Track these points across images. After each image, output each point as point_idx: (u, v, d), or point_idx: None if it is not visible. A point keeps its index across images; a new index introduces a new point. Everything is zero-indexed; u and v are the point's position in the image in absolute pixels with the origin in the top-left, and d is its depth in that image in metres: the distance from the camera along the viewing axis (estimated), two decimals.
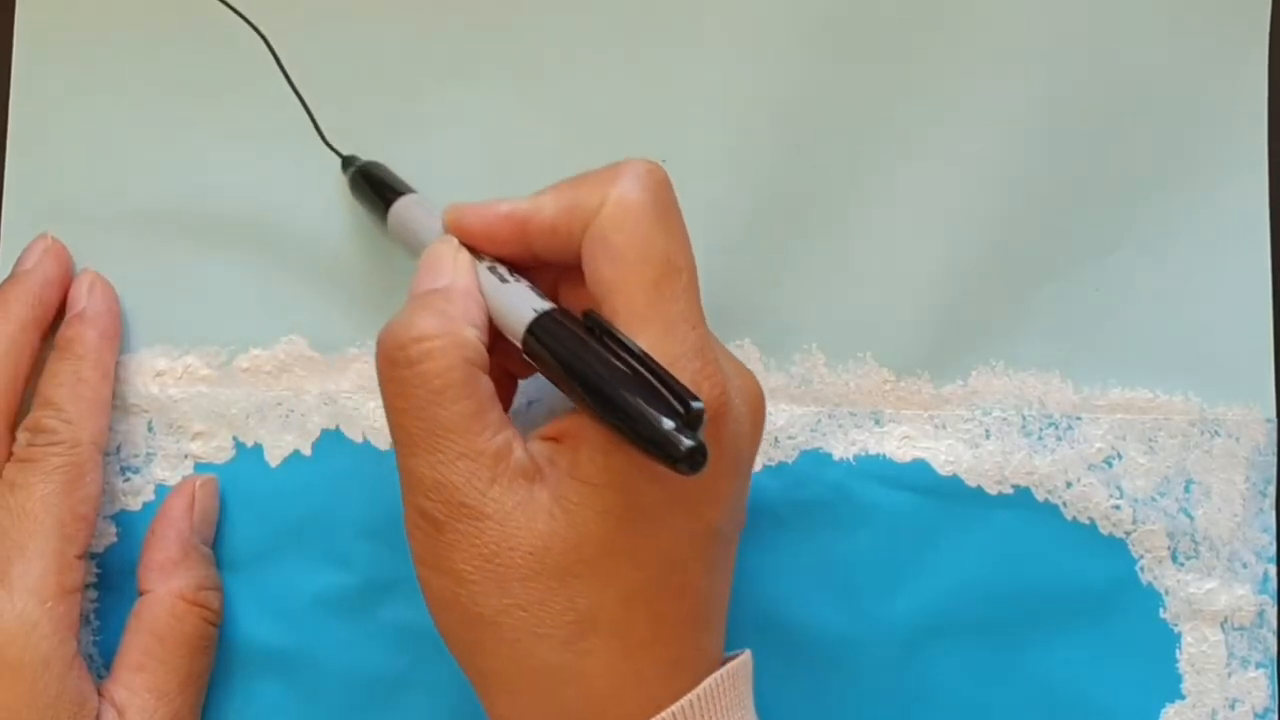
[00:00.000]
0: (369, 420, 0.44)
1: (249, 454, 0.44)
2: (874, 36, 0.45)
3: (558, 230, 0.37)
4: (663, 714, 0.36)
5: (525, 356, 0.37)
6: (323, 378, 0.44)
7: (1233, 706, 0.44)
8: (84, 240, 0.44)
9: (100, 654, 0.43)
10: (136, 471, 0.44)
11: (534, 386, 0.43)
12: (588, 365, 0.34)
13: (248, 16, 0.42)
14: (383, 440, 0.44)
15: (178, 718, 0.41)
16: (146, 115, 0.45)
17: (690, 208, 0.44)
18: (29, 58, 0.45)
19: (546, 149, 0.45)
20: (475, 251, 0.38)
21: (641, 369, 0.34)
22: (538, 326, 0.36)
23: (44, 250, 0.43)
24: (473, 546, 0.35)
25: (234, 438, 0.44)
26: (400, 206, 0.41)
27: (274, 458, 0.44)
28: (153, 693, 0.41)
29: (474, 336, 0.36)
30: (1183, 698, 0.44)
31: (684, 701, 0.36)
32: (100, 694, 0.40)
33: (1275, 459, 0.44)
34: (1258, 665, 0.44)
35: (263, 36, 0.42)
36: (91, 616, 0.43)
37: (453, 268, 0.38)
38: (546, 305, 0.37)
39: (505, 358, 0.39)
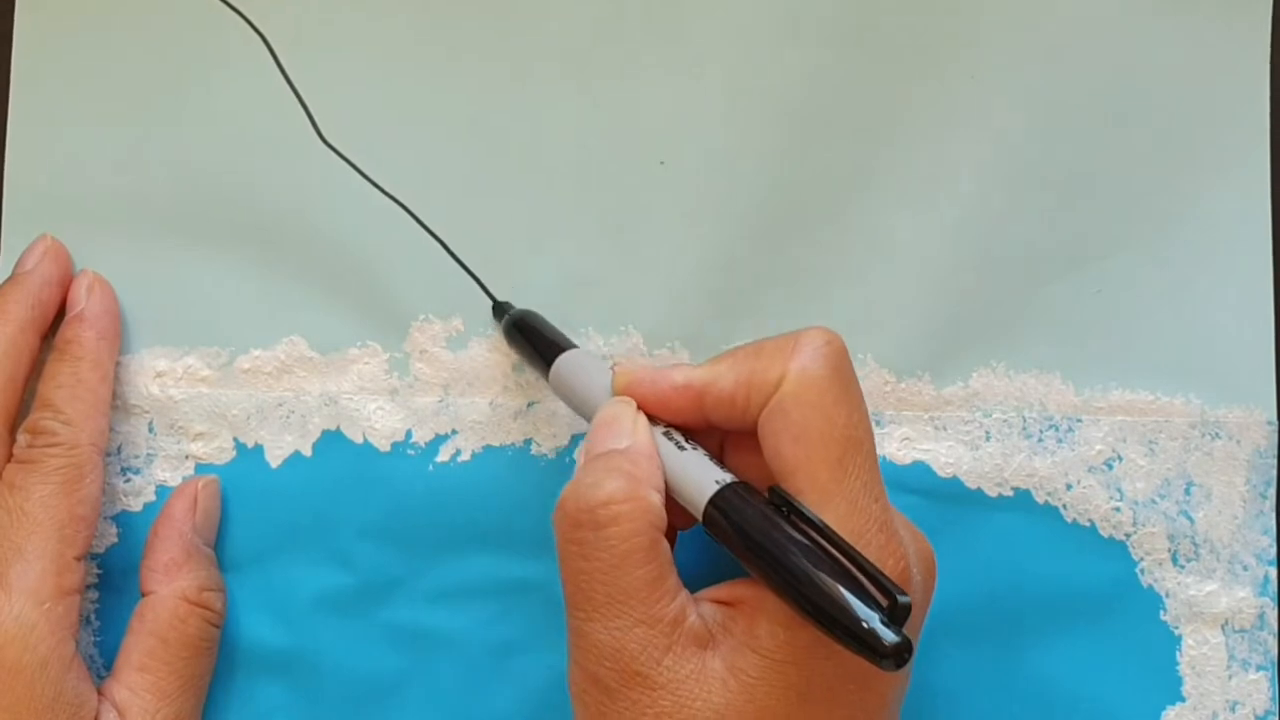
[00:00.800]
0: (369, 421, 0.44)
1: (250, 455, 0.44)
2: (874, 37, 0.45)
3: (735, 402, 0.37)
4: None
5: (705, 528, 0.36)
6: (323, 378, 0.44)
7: (1233, 709, 0.43)
8: (84, 240, 0.44)
9: (101, 655, 0.43)
10: (137, 472, 0.44)
11: (553, 395, 0.43)
12: (779, 546, 0.34)
13: (248, 16, 0.42)
14: (383, 440, 0.44)
15: (179, 718, 0.41)
16: (146, 116, 0.45)
17: (690, 208, 0.44)
18: (29, 58, 0.45)
19: (543, 148, 0.45)
20: (648, 415, 0.38)
21: (833, 550, 0.34)
22: (721, 499, 0.36)
23: (44, 251, 0.43)
24: (644, 715, 0.35)
25: (235, 438, 0.44)
26: (564, 364, 0.41)
27: (274, 458, 0.44)
28: (155, 693, 0.41)
29: (658, 501, 0.36)
30: (1183, 700, 0.44)
31: None
32: (101, 694, 0.41)
33: (1276, 461, 0.44)
34: (1258, 668, 0.44)
35: (262, 36, 0.42)
36: (92, 617, 0.43)
37: (633, 429, 0.37)
38: (728, 477, 0.36)
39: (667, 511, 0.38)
